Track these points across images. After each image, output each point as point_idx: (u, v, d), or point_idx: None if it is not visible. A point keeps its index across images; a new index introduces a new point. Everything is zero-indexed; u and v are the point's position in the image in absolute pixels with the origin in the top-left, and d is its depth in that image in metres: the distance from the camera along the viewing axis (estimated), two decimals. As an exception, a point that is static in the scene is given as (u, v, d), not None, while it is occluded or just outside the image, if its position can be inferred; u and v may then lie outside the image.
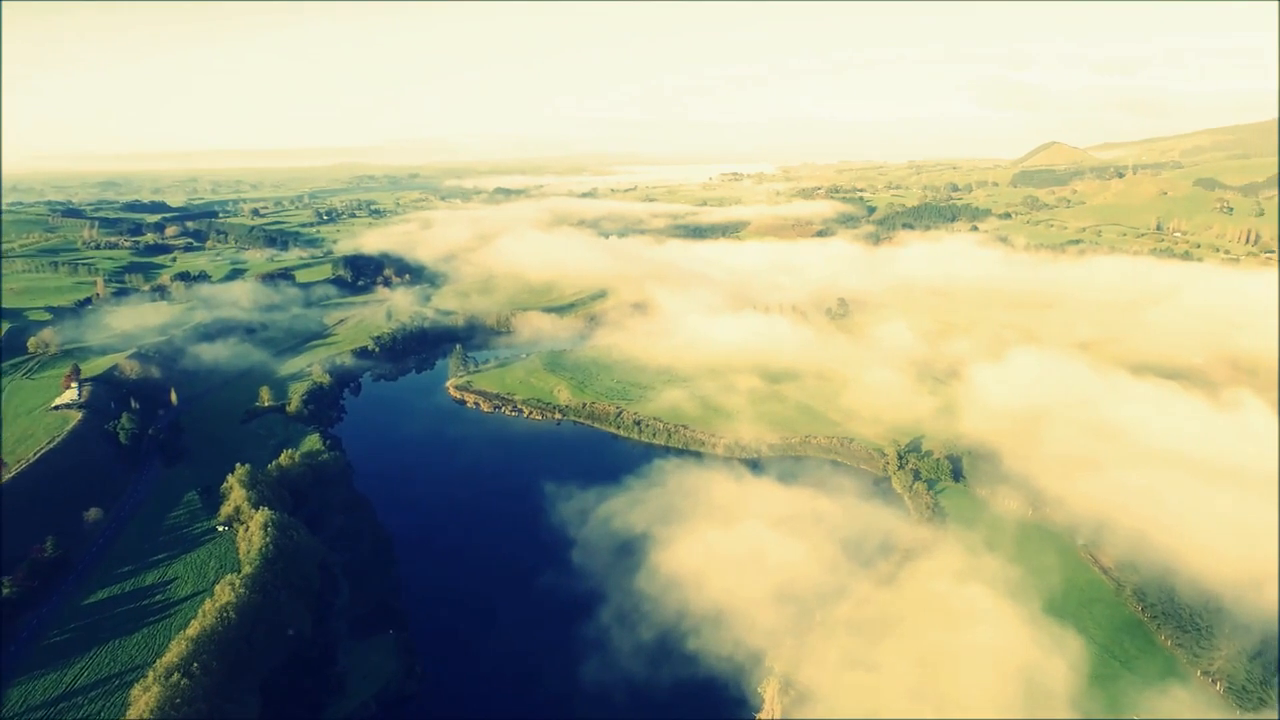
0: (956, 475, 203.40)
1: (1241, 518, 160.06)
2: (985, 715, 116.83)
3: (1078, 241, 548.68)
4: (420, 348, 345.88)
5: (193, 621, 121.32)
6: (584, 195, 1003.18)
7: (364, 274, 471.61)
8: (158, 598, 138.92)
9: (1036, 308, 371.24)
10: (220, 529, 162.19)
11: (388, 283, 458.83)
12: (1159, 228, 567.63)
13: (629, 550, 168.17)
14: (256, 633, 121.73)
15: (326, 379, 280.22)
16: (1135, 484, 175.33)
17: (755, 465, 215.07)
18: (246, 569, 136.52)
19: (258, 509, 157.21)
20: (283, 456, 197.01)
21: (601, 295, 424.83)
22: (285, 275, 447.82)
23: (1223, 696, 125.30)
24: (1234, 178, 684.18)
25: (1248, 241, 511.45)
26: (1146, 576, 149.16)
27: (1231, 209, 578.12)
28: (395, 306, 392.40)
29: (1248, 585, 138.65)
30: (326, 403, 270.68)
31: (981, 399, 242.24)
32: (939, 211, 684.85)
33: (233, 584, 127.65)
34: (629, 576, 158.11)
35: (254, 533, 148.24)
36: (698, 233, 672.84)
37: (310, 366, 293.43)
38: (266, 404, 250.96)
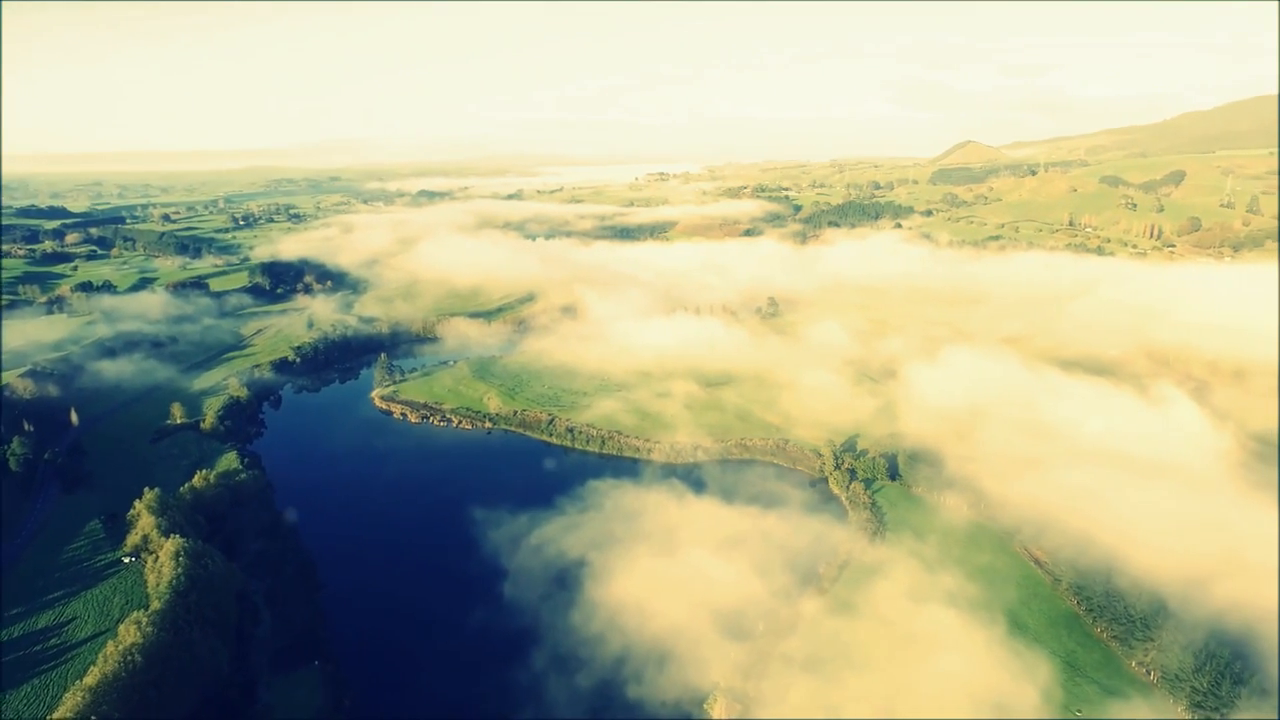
0: (893, 474, 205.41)
1: (1181, 514, 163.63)
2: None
3: (997, 237, 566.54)
4: (344, 357, 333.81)
5: (91, 668, 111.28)
6: (509, 197, 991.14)
7: (283, 281, 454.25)
8: (53, 642, 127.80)
9: (964, 304, 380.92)
10: (126, 560, 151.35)
11: (308, 290, 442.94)
12: (1071, 223, 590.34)
13: (565, 580, 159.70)
14: (167, 675, 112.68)
15: (244, 393, 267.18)
16: (1075, 483, 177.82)
17: (697, 483, 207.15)
18: (155, 604, 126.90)
19: (168, 537, 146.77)
20: (196, 478, 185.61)
21: (530, 299, 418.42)
22: (198, 284, 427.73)
23: (1156, 685, 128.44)
24: (1135, 176, 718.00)
25: (1152, 236, 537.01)
26: (1092, 577, 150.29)
27: (1135, 205, 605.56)
28: (316, 315, 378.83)
29: (1191, 583, 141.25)
30: (245, 418, 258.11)
31: (918, 398, 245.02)
32: (863, 209, 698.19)
33: (139, 622, 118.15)
34: (566, 609, 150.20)
35: (164, 563, 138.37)
36: (625, 234, 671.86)
37: (227, 380, 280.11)
38: (179, 421, 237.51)
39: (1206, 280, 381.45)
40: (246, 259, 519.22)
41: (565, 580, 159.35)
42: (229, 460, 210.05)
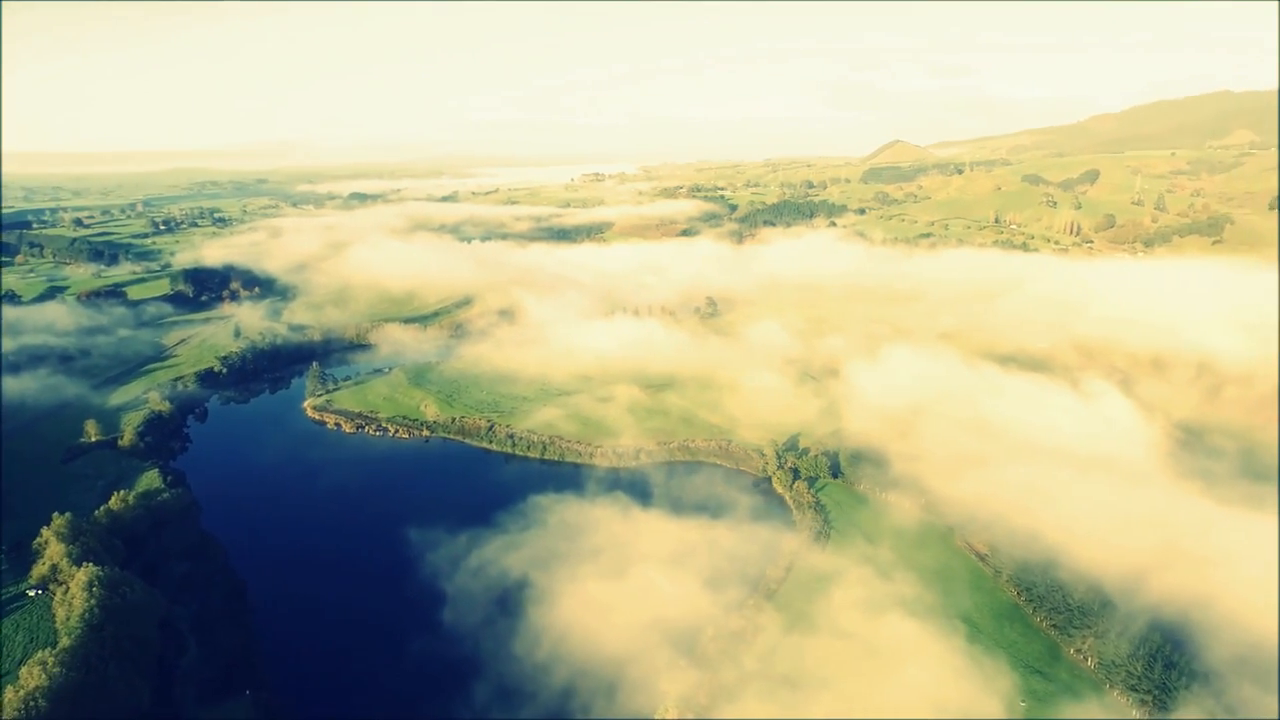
0: (835, 472, 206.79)
1: (1118, 507, 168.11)
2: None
3: (928, 235, 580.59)
4: (274, 366, 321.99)
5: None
6: (444, 199, 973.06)
7: (207, 288, 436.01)
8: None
9: (900, 301, 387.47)
10: (32, 594, 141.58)
11: (235, 297, 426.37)
12: (997, 220, 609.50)
13: (508, 603, 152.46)
14: (77, 719, 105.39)
15: (167, 406, 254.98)
16: (1017, 479, 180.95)
17: (642, 492, 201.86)
18: (64, 641, 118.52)
19: (80, 565, 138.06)
20: (113, 499, 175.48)
21: (466, 303, 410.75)
22: (114, 292, 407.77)
23: (1093, 671, 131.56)
24: (1054, 174, 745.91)
25: (1072, 233, 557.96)
26: (1034, 571, 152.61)
27: (1055, 203, 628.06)
28: (244, 323, 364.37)
29: (1130, 574, 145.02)
30: (167, 433, 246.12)
31: (859, 397, 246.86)
32: (798, 208, 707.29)
33: (44, 663, 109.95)
34: (509, 635, 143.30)
35: (75, 595, 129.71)
36: (562, 235, 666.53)
37: (147, 394, 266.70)
38: (94, 439, 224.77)
39: (1123, 275, 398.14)
40: (168, 265, 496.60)
41: (508, 603, 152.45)
42: (150, 479, 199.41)
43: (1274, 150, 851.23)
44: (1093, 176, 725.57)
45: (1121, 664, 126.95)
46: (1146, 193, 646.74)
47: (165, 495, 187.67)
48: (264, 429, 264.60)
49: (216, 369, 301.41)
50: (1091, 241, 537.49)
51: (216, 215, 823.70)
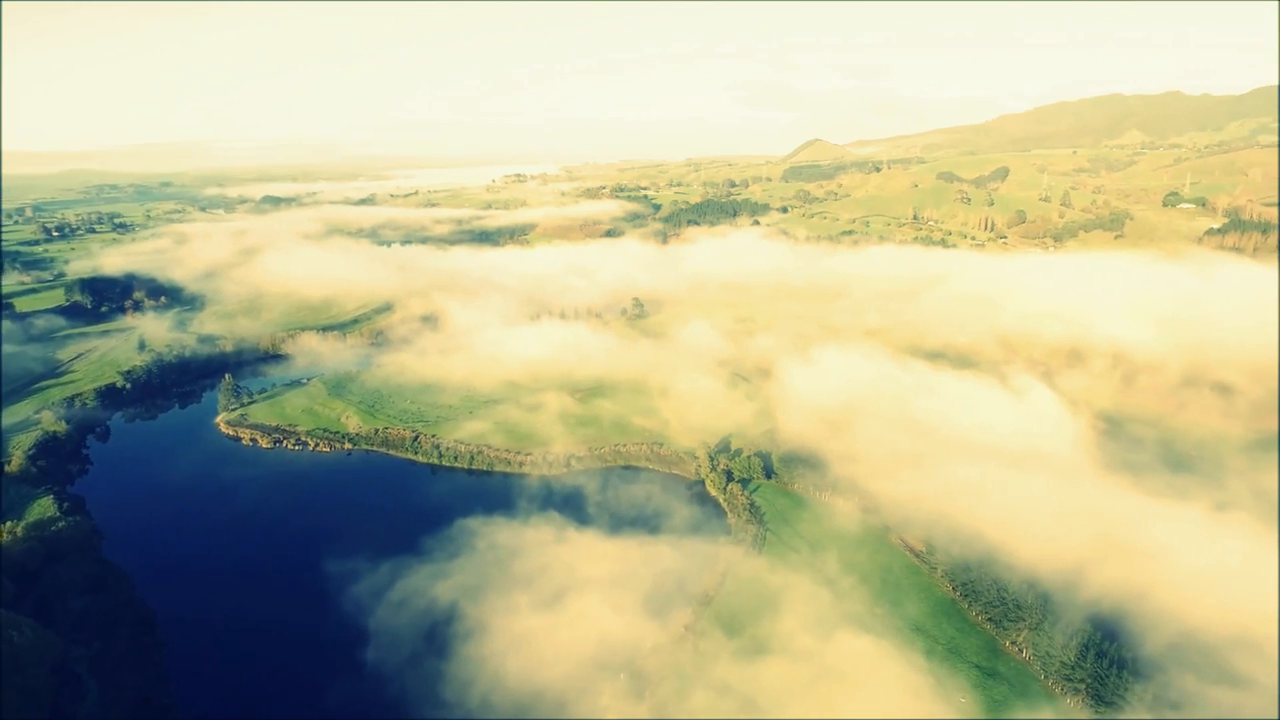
0: (768, 472, 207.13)
1: (1053, 502, 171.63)
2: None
3: (850, 232, 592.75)
4: (183, 380, 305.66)
5: None
6: (361, 202, 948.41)
7: (107, 299, 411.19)
8: None
9: (825, 298, 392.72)
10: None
11: (138, 307, 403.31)
12: (915, 217, 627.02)
13: (436, 639, 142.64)
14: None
15: (62, 426, 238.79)
16: (953, 477, 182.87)
17: (577, 508, 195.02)
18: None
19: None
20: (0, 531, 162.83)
21: (386, 309, 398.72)
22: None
23: (1029, 662, 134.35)
24: (966, 172, 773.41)
25: (986, 229, 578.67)
26: (973, 570, 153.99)
27: (969, 199, 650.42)
28: (148, 335, 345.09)
29: (1068, 569, 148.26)
30: (64, 456, 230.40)
31: (793, 397, 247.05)
32: (721, 207, 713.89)
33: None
34: (438, 676, 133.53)
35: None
36: (485, 237, 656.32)
37: (39, 413, 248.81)
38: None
39: (1037, 269, 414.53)
40: (62, 275, 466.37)
41: (436, 640, 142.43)
42: (43, 507, 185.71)
43: (1163, 151, 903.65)
44: (1003, 174, 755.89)
45: (1056, 655, 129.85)
46: (1053, 189, 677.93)
47: (61, 524, 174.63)
48: (173, 447, 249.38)
49: (119, 384, 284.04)
50: (1005, 237, 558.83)
51: (117, 220, 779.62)
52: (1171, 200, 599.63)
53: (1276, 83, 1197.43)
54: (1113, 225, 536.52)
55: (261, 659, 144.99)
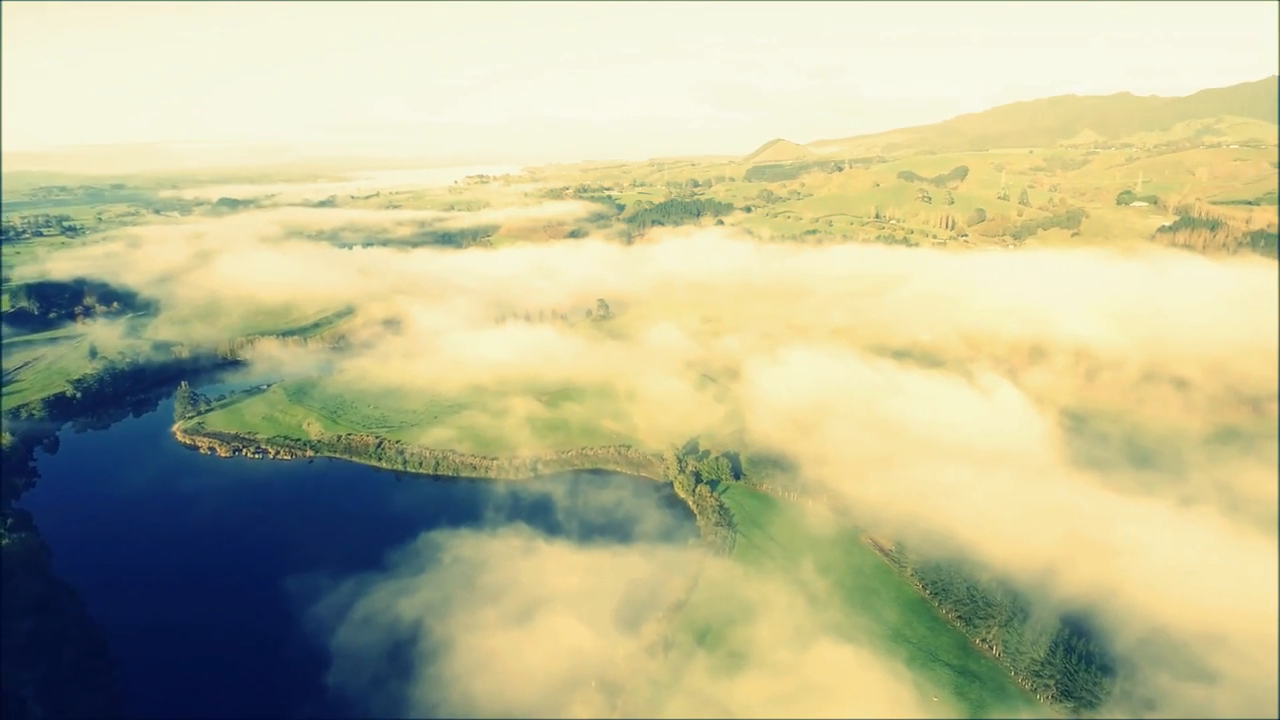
0: (737, 473, 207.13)
1: (1023, 500, 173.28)
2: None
3: (814, 231, 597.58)
4: (137, 388, 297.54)
5: None
6: (321, 204, 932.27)
7: (55, 305, 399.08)
8: None
9: (791, 297, 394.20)
10: None
11: (89, 313, 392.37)
12: (878, 216, 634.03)
13: (400, 660, 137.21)
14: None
15: (7, 439, 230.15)
16: (924, 478, 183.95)
17: (546, 517, 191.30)
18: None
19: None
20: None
21: (348, 313, 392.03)
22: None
23: (997, 659, 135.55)
24: (927, 171, 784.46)
25: (947, 227, 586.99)
26: (945, 571, 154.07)
27: (930, 198, 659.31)
28: (100, 342, 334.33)
29: (1040, 567, 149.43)
30: (9, 469, 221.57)
31: (762, 398, 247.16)
32: (685, 207, 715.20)
33: None
34: (403, 700, 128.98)
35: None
36: (448, 239, 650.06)
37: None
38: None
39: (998, 267, 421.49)
40: (7, 280, 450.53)
41: (401, 661, 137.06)
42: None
43: (1115, 150, 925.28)
44: (962, 173, 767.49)
45: (1026, 651, 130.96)
46: (1011, 188, 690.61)
47: (5, 541, 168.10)
48: (128, 458, 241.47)
49: (69, 394, 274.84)
50: (966, 235, 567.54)
51: (65, 224, 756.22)
52: (1125, 199, 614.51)
53: (1220, 85, 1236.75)
54: (1069, 223, 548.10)
55: (219, 680, 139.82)
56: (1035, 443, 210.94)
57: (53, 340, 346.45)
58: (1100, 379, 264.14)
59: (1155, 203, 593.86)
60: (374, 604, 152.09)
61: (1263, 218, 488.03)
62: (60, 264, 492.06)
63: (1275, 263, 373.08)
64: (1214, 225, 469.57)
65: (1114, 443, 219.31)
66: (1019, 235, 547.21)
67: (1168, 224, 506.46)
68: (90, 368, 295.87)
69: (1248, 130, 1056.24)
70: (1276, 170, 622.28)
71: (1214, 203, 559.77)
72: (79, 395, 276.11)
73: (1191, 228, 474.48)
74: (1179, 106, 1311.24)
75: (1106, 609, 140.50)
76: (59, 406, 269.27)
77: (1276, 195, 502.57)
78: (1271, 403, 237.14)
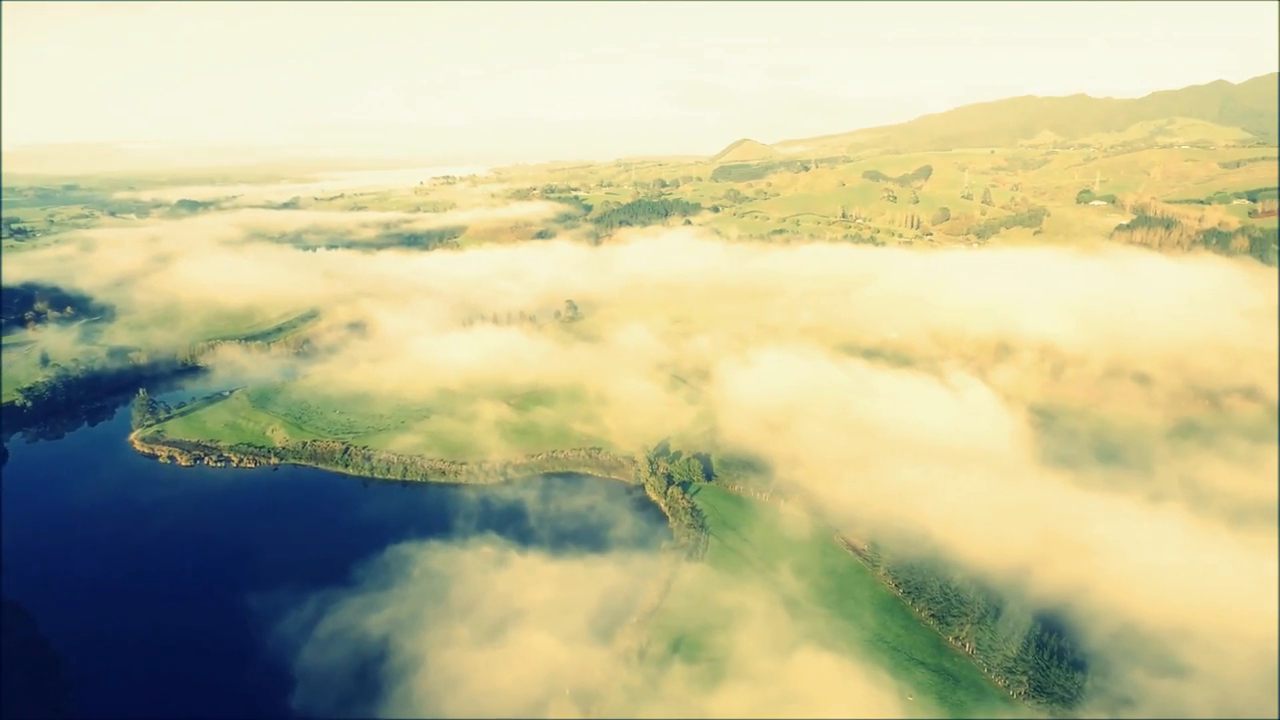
0: (708, 474, 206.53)
1: (997, 499, 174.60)
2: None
3: (781, 231, 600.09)
4: (92, 396, 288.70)
5: None
6: (283, 206, 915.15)
7: (4, 310, 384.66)
8: None
9: (760, 297, 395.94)
10: None
11: (40, 319, 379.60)
12: (844, 215, 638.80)
13: (369, 680, 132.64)
14: None
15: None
16: (897, 478, 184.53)
17: (518, 525, 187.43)
18: None
19: None
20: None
21: (312, 317, 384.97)
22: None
23: (970, 656, 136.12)
24: (892, 170, 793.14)
25: (912, 226, 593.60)
26: (920, 571, 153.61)
27: (895, 197, 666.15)
28: (52, 348, 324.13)
29: (1014, 565, 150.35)
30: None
31: (732, 399, 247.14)
32: (653, 207, 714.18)
33: None
34: (374, 704, 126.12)
35: None
36: (414, 241, 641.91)
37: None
38: None
39: (963, 265, 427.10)
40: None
41: (369, 680, 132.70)
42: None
43: (1073, 150, 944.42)
44: (926, 172, 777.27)
45: (999, 649, 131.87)
46: (974, 187, 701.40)
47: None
48: (82, 468, 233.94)
49: (18, 403, 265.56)
50: (931, 234, 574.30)
51: (15, 226, 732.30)
52: (1084, 198, 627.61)
53: (1175, 87, 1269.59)
54: (1031, 222, 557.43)
55: (178, 702, 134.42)
56: (1005, 440, 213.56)
57: (2, 347, 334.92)
58: (1065, 375, 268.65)
59: (1113, 201, 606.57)
60: (341, 620, 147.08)
61: (1214, 216, 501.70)
62: (10, 268, 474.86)
63: (1227, 260, 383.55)
64: (1169, 224, 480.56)
65: (1082, 439, 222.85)
66: (983, 234, 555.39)
67: (1125, 222, 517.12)
68: (42, 375, 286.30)
69: (1197, 131, 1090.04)
70: (1224, 171, 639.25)
71: (1168, 201, 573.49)
72: (29, 404, 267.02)
73: (1148, 226, 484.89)
74: (1133, 108, 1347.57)
75: (1079, 606, 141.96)
76: (8, 416, 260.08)
77: (1276, 195, 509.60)
78: (1229, 397, 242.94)
